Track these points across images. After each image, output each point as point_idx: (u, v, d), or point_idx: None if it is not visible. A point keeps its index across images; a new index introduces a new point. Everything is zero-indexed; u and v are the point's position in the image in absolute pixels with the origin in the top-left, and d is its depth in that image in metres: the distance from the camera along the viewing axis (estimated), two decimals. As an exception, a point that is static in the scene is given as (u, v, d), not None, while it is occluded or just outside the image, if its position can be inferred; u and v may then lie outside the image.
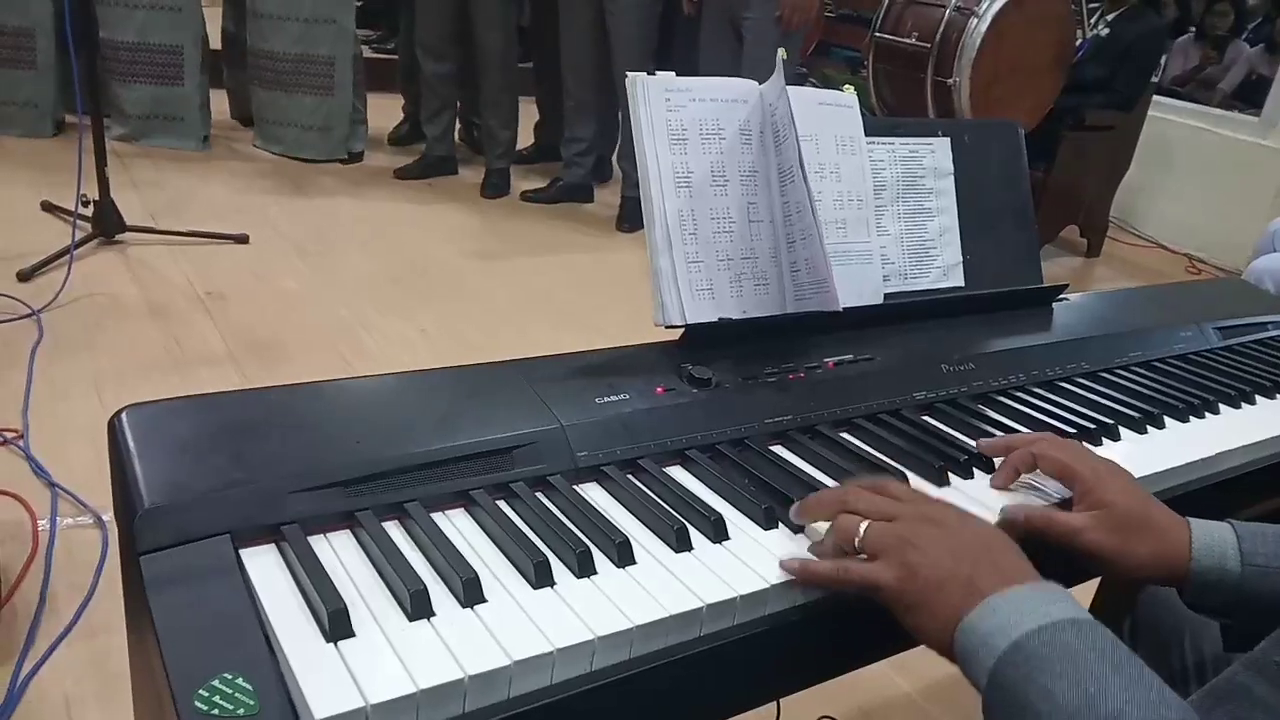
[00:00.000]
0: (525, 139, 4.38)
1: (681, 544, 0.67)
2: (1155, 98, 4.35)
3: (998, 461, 0.82)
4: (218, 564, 0.59)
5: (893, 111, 3.88)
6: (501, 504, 0.69)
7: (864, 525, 0.65)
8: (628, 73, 0.89)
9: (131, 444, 0.65)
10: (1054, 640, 0.56)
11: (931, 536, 0.64)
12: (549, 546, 0.65)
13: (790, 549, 0.68)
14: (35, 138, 3.76)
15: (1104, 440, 0.91)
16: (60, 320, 2.42)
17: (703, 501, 0.72)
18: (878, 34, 3.81)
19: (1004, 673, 0.56)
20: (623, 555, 0.65)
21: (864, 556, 0.65)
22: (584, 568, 0.63)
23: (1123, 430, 0.93)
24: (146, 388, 2.14)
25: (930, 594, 0.61)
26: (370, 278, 2.98)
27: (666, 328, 0.88)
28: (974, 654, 0.58)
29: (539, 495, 0.71)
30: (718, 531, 0.69)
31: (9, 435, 1.91)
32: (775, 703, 1.32)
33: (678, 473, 0.77)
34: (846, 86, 1.01)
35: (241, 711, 0.50)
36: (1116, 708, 0.52)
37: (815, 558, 0.67)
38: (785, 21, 3.12)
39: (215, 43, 4.18)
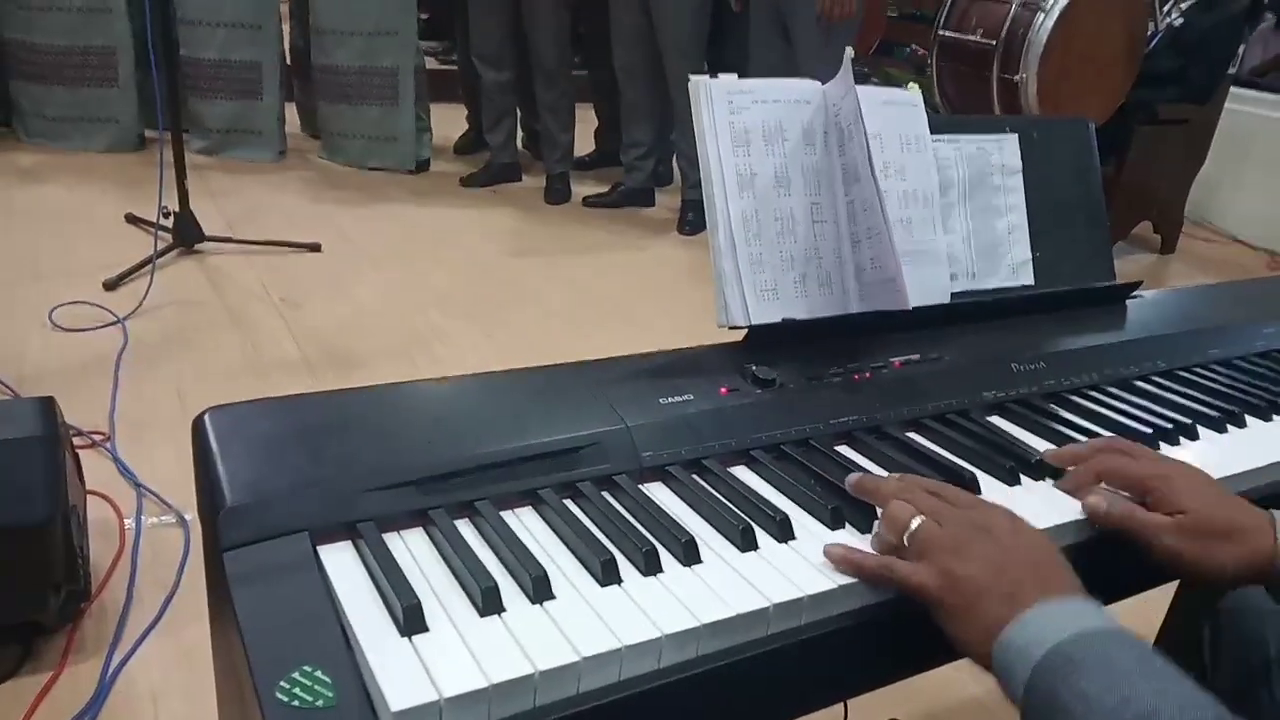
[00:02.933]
0: (587, 144, 4.41)
1: (747, 543, 0.68)
2: (1232, 89, 4.20)
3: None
4: (297, 560, 0.61)
5: (957, 110, 3.82)
6: (569, 503, 0.70)
7: (915, 521, 0.66)
8: (690, 76, 0.89)
9: (214, 444, 0.67)
10: (1089, 646, 0.57)
11: (978, 546, 0.64)
12: (616, 545, 0.65)
13: (857, 548, 0.68)
14: (119, 152, 3.90)
15: (1181, 440, 0.89)
16: (144, 327, 2.51)
17: (768, 501, 0.72)
18: (941, 31, 3.76)
19: (1040, 679, 0.57)
20: (689, 554, 0.66)
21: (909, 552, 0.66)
22: (650, 566, 0.64)
23: (1201, 429, 0.91)
24: (225, 391, 2.20)
25: (970, 603, 0.62)
26: (438, 284, 3.03)
27: (730, 329, 0.89)
28: (1010, 667, 0.59)
29: (605, 495, 0.71)
30: (783, 531, 0.69)
31: (97, 438, 1.98)
32: (843, 706, 1.31)
33: (742, 473, 0.77)
34: (911, 85, 1.00)
35: (320, 703, 0.51)
36: (1152, 707, 0.52)
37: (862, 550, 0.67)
38: (826, 13, 3.07)
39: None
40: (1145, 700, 0.53)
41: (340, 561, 0.62)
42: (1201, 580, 0.72)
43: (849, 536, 0.70)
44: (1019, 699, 0.58)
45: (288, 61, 4.32)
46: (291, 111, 4.45)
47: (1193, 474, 0.76)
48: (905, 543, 0.66)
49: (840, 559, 0.65)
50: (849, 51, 0.89)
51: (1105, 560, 0.74)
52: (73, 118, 3.92)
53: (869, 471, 0.78)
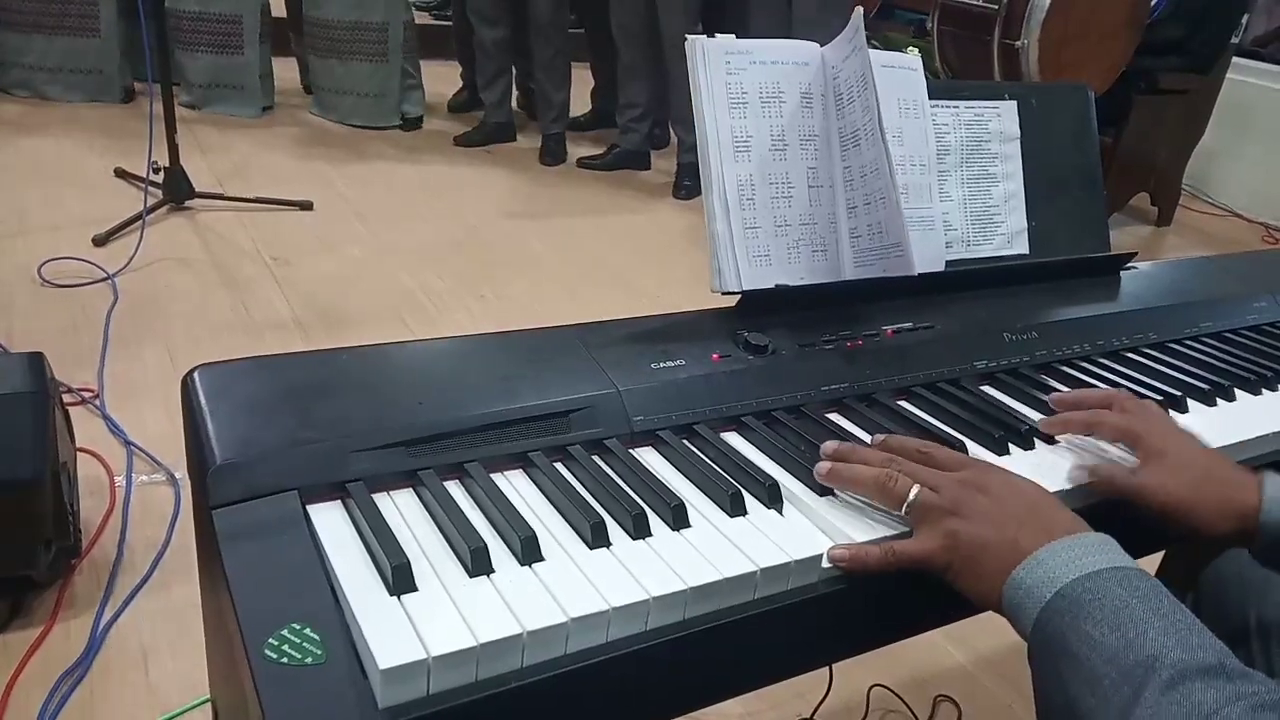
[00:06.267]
0: (584, 105, 4.37)
1: (736, 509, 0.68)
2: (1235, 59, 4.17)
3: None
4: (287, 519, 0.61)
5: (958, 75, 3.78)
6: (559, 466, 0.70)
7: (913, 491, 0.66)
8: (686, 35, 0.88)
9: (204, 402, 0.67)
10: (1096, 587, 0.57)
11: (976, 504, 0.65)
12: (605, 508, 0.66)
13: (844, 515, 0.68)
14: (103, 103, 3.84)
15: (1170, 412, 0.89)
16: (134, 284, 2.49)
17: (758, 467, 0.72)
18: (943, -5, 3.71)
19: (1047, 620, 0.57)
20: (678, 518, 0.66)
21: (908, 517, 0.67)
22: (639, 530, 0.64)
23: (1191, 402, 0.91)
24: (216, 349, 2.20)
25: (976, 558, 0.63)
26: (431, 244, 3.02)
27: (723, 294, 0.88)
28: (1020, 607, 0.60)
29: (595, 458, 0.71)
30: (772, 497, 0.69)
31: (86, 395, 1.98)
32: (828, 671, 1.33)
33: (733, 439, 0.77)
34: (910, 49, 0.99)
35: (309, 660, 0.52)
36: (1155, 651, 0.53)
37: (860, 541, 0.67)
38: None
39: (277, 11, 4.24)
40: (1150, 643, 0.53)
41: (330, 521, 0.62)
42: (1189, 528, 0.72)
43: (836, 503, 0.70)
44: (1028, 636, 0.59)
45: (283, 14, 4.26)
46: (288, 66, 4.39)
47: (1177, 427, 0.77)
48: (904, 512, 0.66)
49: (847, 560, 0.64)
50: (859, 11, 0.87)
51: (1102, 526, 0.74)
52: (51, 68, 3.84)
53: (858, 437, 0.78)
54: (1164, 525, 0.73)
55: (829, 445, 0.73)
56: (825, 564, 0.65)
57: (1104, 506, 0.75)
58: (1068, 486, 0.75)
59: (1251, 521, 0.71)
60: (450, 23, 4.67)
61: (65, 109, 3.80)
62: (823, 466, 0.70)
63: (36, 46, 3.81)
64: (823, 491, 0.71)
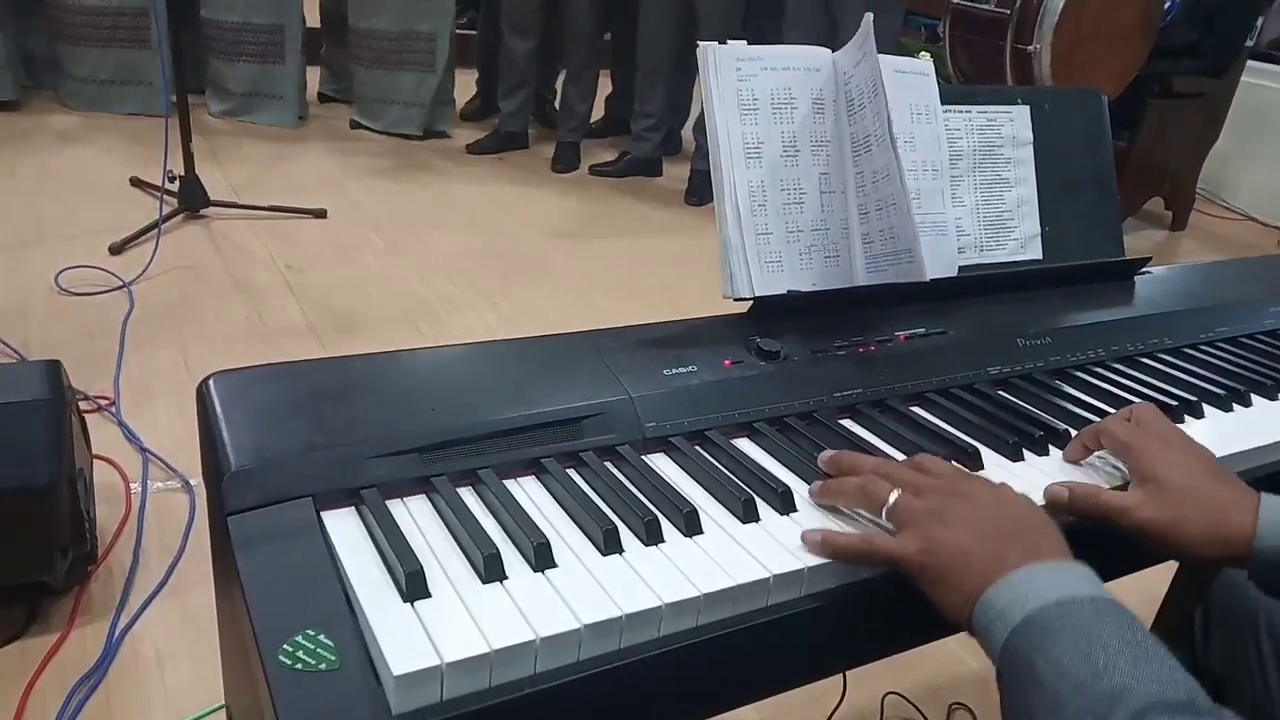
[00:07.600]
0: (596, 111, 4.39)
1: (749, 515, 0.68)
2: (1249, 62, 4.15)
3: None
4: (301, 525, 0.61)
5: (970, 80, 3.77)
6: (571, 472, 0.70)
7: (894, 495, 0.65)
8: (699, 42, 0.88)
9: (219, 409, 0.68)
10: (1068, 615, 0.56)
11: (960, 512, 0.63)
12: (618, 515, 0.66)
13: (857, 521, 0.68)
14: (151, 115, 3.87)
15: (1187, 418, 0.89)
16: (149, 292, 2.51)
17: (770, 473, 0.72)
18: (955, 0, 3.71)
19: (1016, 644, 0.56)
20: (690, 525, 0.66)
21: (890, 526, 0.65)
22: (652, 536, 0.64)
23: (1207, 408, 0.91)
24: (230, 357, 2.21)
25: (953, 568, 0.61)
26: (444, 251, 3.03)
27: (735, 300, 0.88)
28: (990, 628, 0.58)
29: (608, 464, 0.72)
30: (785, 503, 0.69)
31: (102, 402, 1.99)
32: (842, 678, 1.32)
33: (745, 445, 0.77)
34: (923, 54, 0.99)
35: (324, 666, 0.52)
36: (1123, 682, 0.51)
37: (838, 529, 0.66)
38: None
39: (310, 19, 4.27)
40: (1119, 674, 0.52)
41: (344, 527, 0.63)
42: (1173, 553, 0.71)
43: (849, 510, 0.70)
44: (996, 659, 0.58)
45: (316, 24, 4.28)
46: (310, 75, 4.41)
47: (1181, 446, 0.75)
48: (885, 518, 0.66)
49: (819, 544, 0.64)
50: (868, 17, 0.87)
51: (1107, 537, 0.74)
52: (102, 80, 3.87)
53: (870, 443, 0.78)
54: (1148, 547, 0.71)
55: (825, 454, 0.73)
56: (803, 550, 0.64)
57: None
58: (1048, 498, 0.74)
59: (1244, 547, 0.68)
60: (464, 31, 4.68)
61: (89, 119, 3.83)
62: (814, 488, 0.71)
63: (90, 58, 3.83)
64: (835, 497, 0.71)
